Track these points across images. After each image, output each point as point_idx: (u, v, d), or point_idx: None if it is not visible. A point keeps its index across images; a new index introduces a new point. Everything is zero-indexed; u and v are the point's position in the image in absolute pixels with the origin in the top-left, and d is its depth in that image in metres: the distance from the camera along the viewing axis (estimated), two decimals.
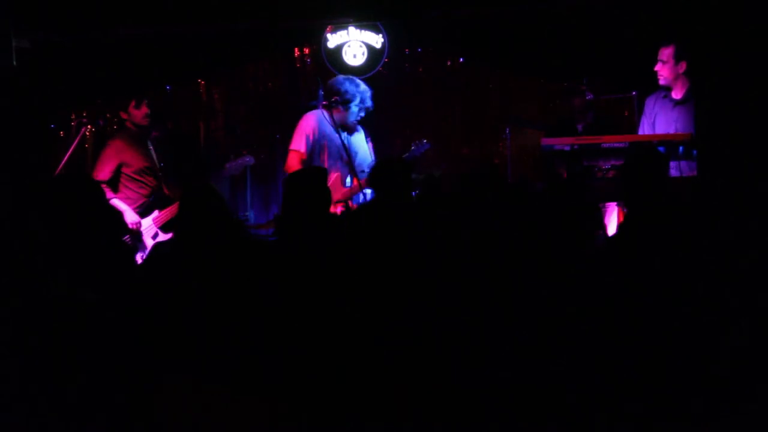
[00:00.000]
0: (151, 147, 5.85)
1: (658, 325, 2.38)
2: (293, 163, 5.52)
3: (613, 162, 4.88)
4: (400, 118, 7.03)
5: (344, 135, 5.53)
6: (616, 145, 4.86)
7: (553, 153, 4.91)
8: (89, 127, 6.37)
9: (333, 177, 5.45)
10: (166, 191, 5.86)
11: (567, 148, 4.86)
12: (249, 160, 6.01)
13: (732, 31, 5.05)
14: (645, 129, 5.28)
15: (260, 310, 2.43)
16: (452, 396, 2.24)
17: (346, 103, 5.52)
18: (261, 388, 2.23)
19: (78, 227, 3.03)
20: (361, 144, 5.70)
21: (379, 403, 2.24)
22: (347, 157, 5.51)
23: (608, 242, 3.10)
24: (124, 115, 5.81)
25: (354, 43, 6.48)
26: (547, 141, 4.97)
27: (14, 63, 5.14)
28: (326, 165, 5.53)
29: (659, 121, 5.20)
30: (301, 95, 6.80)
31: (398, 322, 2.39)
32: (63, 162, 5.62)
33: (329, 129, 5.56)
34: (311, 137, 5.53)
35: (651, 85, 5.31)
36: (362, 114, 5.58)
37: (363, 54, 6.48)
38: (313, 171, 3.85)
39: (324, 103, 5.72)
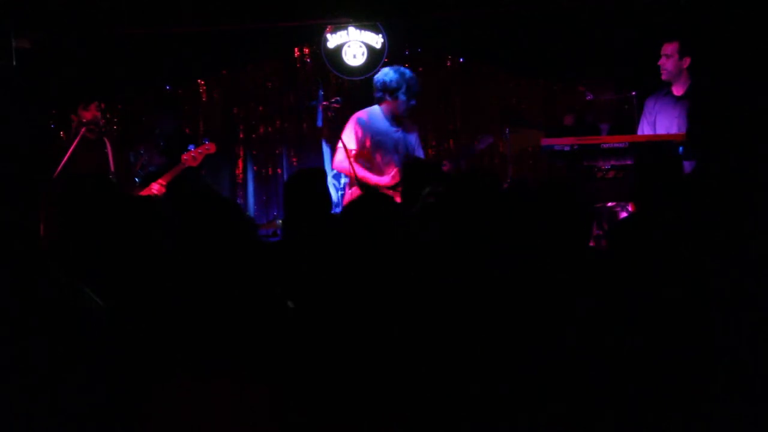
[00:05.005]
0: (108, 150, 5.77)
1: (659, 324, 2.39)
2: (340, 159, 5.42)
3: (613, 162, 4.88)
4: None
5: (400, 130, 5.52)
6: (616, 145, 4.86)
7: (553, 153, 4.92)
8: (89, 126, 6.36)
9: (393, 171, 5.42)
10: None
11: (567, 149, 4.86)
12: (209, 147, 5.85)
13: (731, 31, 5.06)
14: (645, 129, 5.29)
15: (263, 310, 2.43)
16: (456, 396, 2.24)
17: (393, 92, 5.45)
18: (262, 389, 2.24)
19: (81, 226, 3.04)
20: (416, 144, 5.68)
21: (381, 404, 2.24)
22: (405, 149, 5.50)
23: (612, 241, 3.09)
24: (74, 117, 5.72)
25: (354, 43, 6.48)
26: (547, 141, 4.98)
27: (14, 63, 5.15)
28: (381, 161, 5.48)
29: (660, 118, 5.21)
30: (300, 95, 6.81)
31: (399, 323, 2.39)
32: (63, 162, 5.62)
33: (384, 125, 5.50)
34: (361, 134, 5.44)
35: (651, 86, 5.33)
36: (413, 102, 5.47)
37: (363, 54, 6.48)
38: (311, 172, 3.85)
39: (324, 103, 5.73)
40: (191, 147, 5.86)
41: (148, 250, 2.84)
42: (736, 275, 2.45)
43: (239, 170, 7.13)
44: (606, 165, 4.90)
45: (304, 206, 3.55)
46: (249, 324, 2.34)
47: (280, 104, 7.01)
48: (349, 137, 5.44)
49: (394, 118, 5.49)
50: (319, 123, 5.83)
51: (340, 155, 5.43)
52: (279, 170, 7.10)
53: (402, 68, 5.56)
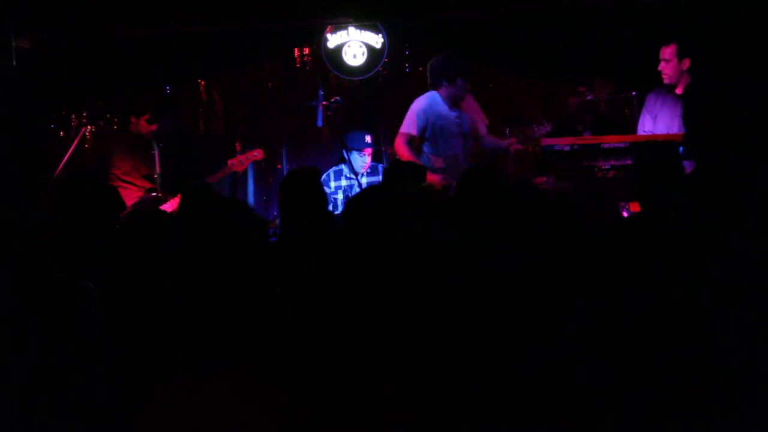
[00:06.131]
0: (156, 152, 5.82)
1: (659, 324, 2.39)
2: (398, 144, 5.57)
3: (613, 162, 4.88)
4: (400, 119, 7.02)
5: (460, 112, 5.62)
6: (616, 145, 4.86)
7: (553, 153, 4.92)
8: (89, 127, 6.37)
9: (447, 160, 5.50)
10: (160, 195, 5.82)
11: (567, 149, 4.86)
12: (256, 154, 5.94)
13: (731, 31, 5.06)
14: (646, 124, 5.29)
15: (263, 311, 2.43)
16: (456, 396, 2.24)
17: (451, 76, 5.54)
18: (262, 389, 2.24)
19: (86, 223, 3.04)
20: (478, 117, 5.79)
21: (381, 404, 2.24)
22: (468, 130, 5.60)
23: (615, 240, 3.10)
24: (133, 119, 5.82)
25: (354, 43, 6.48)
26: (547, 141, 4.98)
27: (14, 63, 5.15)
28: (445, 145, 5.56)
29: (662, 117, 5.21)
30: (300, 95, 6.80)
31: (399, 323, 2.39)
32: (63, 162, 5.62)
33: (444, 109, 5.59)
34: (423, 118, 5.54)
35: (651, 85, 5.32)
36: (467, 85, 5.60)
37: (363, 54, 6.48)
38: (306, 171, 3.86)
39: (324, 103, 5.74)
40: (238, 153, 5.96)
41: (150, 251, 2.85)
42: (736, 275, 2.45)
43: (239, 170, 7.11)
44: (606, 165, 4.90)
45: (300, 205, 3.56)
46: (249, 324, 2.34)
47: (280, 104, 7.00)
48: (410, 123, 5.52)
49: (454, 102, 5.59)
50: (319, 123, 5.84)
51: (399, 140, 5.56)
52: (279, 170, 7.09)
53: (453, 54, 5.66)
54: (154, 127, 5.81)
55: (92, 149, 6.40)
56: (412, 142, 5.55)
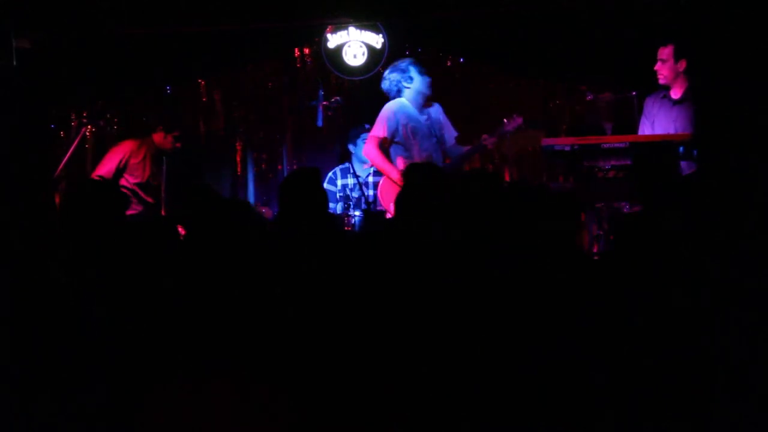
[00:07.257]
0: (165, 167, 5.83)
1: (659, 324, 2.39)
2: (370, 148, 5.54)
3: (613, 162, 4.88)
4: None
5: (427, 114, 5.62)
6: (616, 145, 4.86)
7: (553, 153, 4.91)
8: (89, 127, 6.37)
9: (425, 158, 5.50)
10: (162, 213, 5.80)
11: (567, 149, 4.86)
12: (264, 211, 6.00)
13: (731, 31, 5.05)
14: (645, 129, 5.29)
15: (263, 311, 2.43)
16: (456, 396, 2.24)
17: (405, 75, 5.56)
18: (262, 389, 2.24)
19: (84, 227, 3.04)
20: (442, 117, 5.78)
21: (381, 404, 2.24)
22: (438, 132, 5.60)
23: (615, 241, 3.11)
24: (161, 132, 5.81)
25: (354, 43, 6.48)
26: (547, 141, 4.98)
27: (14, 63, 5.14)
28: (420, 147, 5.54)
29: (659, 121, 5.21)
30: (300, 95, 6.80)
31: (400, 323, 2.39)
32: (63, 162, 5.62)
33: (414, 111, 5.58)
34: (394, 120, 5.52)
35: (651, 86, 5.33)
36: (426, 79, 5.60)
37: (363, 54, 6.48)
38: (307, 171, 3.86)
39: (324, 103, 5.74)
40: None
41: (152, 251, 2.85)
42: (736, 275, 2.45)
43: (239, 170, 7.13)
44: (606, 165, 4.90)
45: (301, 206, 3.56)
46: (249, 324, 2.34)
47: (280, 104, 7.00)
48: (380, 127, 5.51)
49: (421, 103, 5.59)
50: (319, 123, 5.85)
51: (369, 144, 5.53)
52: (279, 170, 7.10)
53: (397, 62, 5.69)
54: (179, 145, 5.83)
55: (95, 149, 6.37)
56: (383, 147, 5.51)
